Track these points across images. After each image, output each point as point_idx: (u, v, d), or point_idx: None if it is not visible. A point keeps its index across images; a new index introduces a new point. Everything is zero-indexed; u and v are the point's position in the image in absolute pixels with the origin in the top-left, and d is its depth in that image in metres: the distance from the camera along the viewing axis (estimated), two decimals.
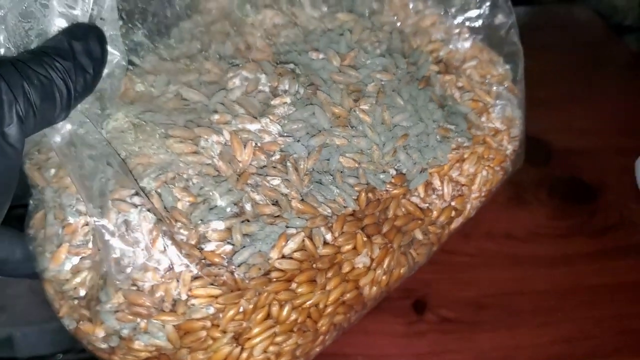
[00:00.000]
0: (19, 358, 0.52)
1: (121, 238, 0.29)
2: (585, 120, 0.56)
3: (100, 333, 0.31)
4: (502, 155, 0.40)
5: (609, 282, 0.45)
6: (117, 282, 0.29)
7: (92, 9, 0.29)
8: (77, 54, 0.28)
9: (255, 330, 0.32)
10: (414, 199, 0.36)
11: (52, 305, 0.32)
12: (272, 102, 0.33)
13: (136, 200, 0.29)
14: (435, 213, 0.37)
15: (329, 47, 0.36)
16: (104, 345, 0.31)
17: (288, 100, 0.33)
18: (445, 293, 0.44)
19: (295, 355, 0.34)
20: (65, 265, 0.31)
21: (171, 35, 0.35)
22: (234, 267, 0.30)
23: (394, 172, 0.35)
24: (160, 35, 0.35)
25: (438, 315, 0.43)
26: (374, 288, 0.35)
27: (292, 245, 0.31)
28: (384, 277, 0.35)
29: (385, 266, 0.35)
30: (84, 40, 0.28)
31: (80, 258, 0.31)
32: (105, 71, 0.30)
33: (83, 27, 0.28)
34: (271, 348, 0.32)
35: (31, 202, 0.33)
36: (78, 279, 0.31)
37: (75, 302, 0.31)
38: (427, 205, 0.37)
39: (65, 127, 0.29)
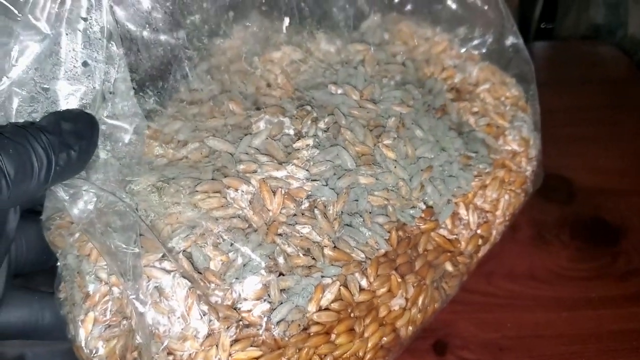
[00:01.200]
0: None
1: (155, 307, 0.30)
2: (609, 159, 0.61)
3: None
4: (523, 177, 0.43)
5: (634, 328, 0.47)
6: (154, 354, 0.30)
7: (99, 86, 0.31)
8: (63, 132, 0.29)
9: None
10: (442, 231, 0.38)
11: None
12: (295, 145, 0.35)
13: (166, 265, 0.30)
14: (463, 243, 0.39)
15: (346, 81, 0.40)
16: None
17: (311, 142, 0.35)
18: (467, 334, 0.47)
19: None
20: (94, 333, 0.32)
21: (190, 80, 0.38)
22: (272, 325, 0.31)
23: (423, 206, 0.37)
24: (171, 99, 0.38)
25: (459, 356, 0.46)
26: (410, 328, 0.37)
27: (329, 296, 0.32)
28: (419, 316, 0.37)
29: (420, 304, 0.37)
30: (72, 121, 0.30)
31: (108, 326, 0.32)
32: (127, 138, 0.32)
33: (74, 110, 0.30)
34: None
35: (59, 264, 0.34)
36: (107, 349, 0.32)
37: None
38: (455, 236, 0.39)
39: (81, 203, 0.31)
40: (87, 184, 0.31)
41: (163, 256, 0.30)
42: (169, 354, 0.30)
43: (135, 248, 0.29)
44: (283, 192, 0.33)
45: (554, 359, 0.45)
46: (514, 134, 0.42)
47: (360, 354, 0.34)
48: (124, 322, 0.31)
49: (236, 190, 0.32)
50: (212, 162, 0.34)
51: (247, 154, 0.34)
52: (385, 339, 0.35)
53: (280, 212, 0.32)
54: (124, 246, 0.29)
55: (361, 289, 0.33)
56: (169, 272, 0.30)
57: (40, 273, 0.39)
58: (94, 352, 0.31)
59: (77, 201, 0.30)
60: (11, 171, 0.26)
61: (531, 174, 0.43)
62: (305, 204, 0.33)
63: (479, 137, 0.41)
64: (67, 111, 0.30)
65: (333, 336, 0.32)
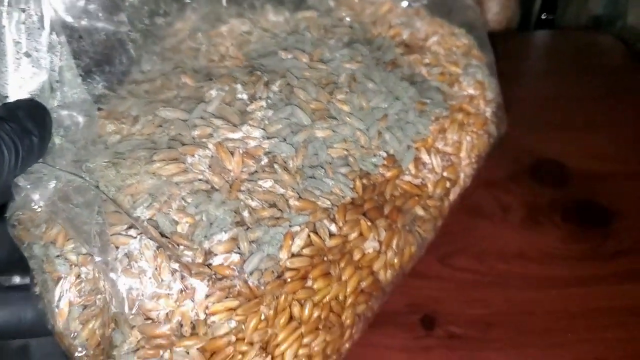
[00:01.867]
0: None
1: (125, 272, 0.31)
2: (603, 144, 0.64)
3: None
4: (482, 118, 0.45)
5: (622, 305, 0.49)
6: (130, 319, 0.31)
7: (46, 75, 0.32)
8: (22, 119, 0.31)
9: (282, 336, 0.34)
10: (407, 178, 0.41)
11: (71, 358, 0.34)
12: (249, 108, 0.37)
13: (133, 232, 0.31)
14: (430, 187, 0.42)
15: (295, 47, 0.42)
16: None
17: (264, 104, 0.38)
18: (455, 310, 0.49)
19: (326, 354, 0.37)
20: (71, 316, 0.33)
21: (142, 62, 0.40)
22: (246, 275, 0.32)
23: (385, 154, 0.39)
24: (120, 83, 0.40)
25: (446, 331, 0.48)
26: (389, 271, 0.39)
27: (299, 242, 0.34)
28: (396, 260, 0.40)
29: (394, 247, 0.39)
30: (26, 109, 0.32)
31: (84, 307, 0.33)
32: (79, 124, 0.34)
33: (26, 99, 0.32)
34: (301, 351, 0.35)
35: (30, 262, 0.35)
36: (86, 330, 0.33)
37: (91, 352, 0.33)
38: (420, 180, 0.42)
39: (42, 188, 0.32)
40: (46, 168, 0.33)
41: (130, 227, 0.31)
42: (146, 318, 0.31)
43: (99, 218, 0.31)
44: (241, 151, 0.35)
45: (542, 335, 0.48)
46: (468, 80, 0.45)
47: (341, 297, 0.36)
48: (99, 297, 0.32)
49: (193, 155, 0.34)
50: (166, 131, 0.36)
51: (201, 118, 0.36)
52: (364, 283, 0.38)
53: (241, 171, 0.35)
54: (87, 220, 0.31)
55: (331, 235, 0.35)
56: (135, 237, 0.31)
57: (17, 272, 0.41)
58: (74, 334, 0.33)
59: (39, 186, 0.32)
60: None
61: (492, 115, 0.46)
62: (265, 160, 0.36)
63: (432, 85, 0.45)
64: (20, 100, 0.32)
65: (310, 282, 0.34)
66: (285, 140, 0.36)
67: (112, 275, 0.30)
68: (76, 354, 0.33)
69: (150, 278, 0.30)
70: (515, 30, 0.81)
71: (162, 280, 0.30)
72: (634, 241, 0.53)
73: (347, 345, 0.39)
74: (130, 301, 0.30)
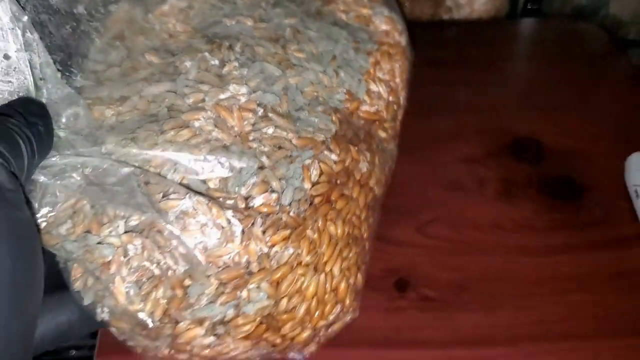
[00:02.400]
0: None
1: (185, 232, 0.33)
2: (580, 124, 0.66)
3: (202, 331, 0.35)
4: (401, 47, 0.51)
5: (588, 272, 0.52)
6: (206, 271, 0.33)
7: (29, 75, 0.33)
8: (21, 113, 0.31)
9: (327, 254, 0.38)
10: (365, 107, 0.46)
11: (133, 341, 0.36)
12: (224, 71, 0.40)
13: (175, 195, 0.33)
14: (384, 112, 0.47)
15: (234, 14, 0.45)
16: (209, 340, 0.35)
17: (236, 64, 0.40)
18: (428, 274, 0.52)
19: (358, 264, 0.41)
20: (131, 296, 0.34)
21: (91, 55, 0.41)
22: (287, 207, 0.36)
23: (344, 90, 0.44)
24: (83, 73, 0.40)
25: (419, 293, 0.51)
26: (379, 187, 0.45)
27: (314, 172, 0.38)
28: (382, 176, 0.45)
29: (378, 164, 0.44)
30: (23, 106, 0.32)
31: (141, 283, 0.34)
32: (73, 116, 0.34)
33: (19, 98, 0.32)
34: (343, 264, 0.39)
35: (60, 262, 0.35)
36: (150, 303, 0.34)
37: (158, 323, 0.35)
38: (375, 108, 0.46)
39: (68, 176, 0.33)
40: (64, 158, 0.33)
41: (166, 193, 0.33)
42: (218, 266, 0.34)
43: (142, 189, 0.32)
44: (237, 107, 0.38)
45: (512, 298, 0.51)
46: (379, 18, 0.50)
47: (357, 213, 0.41)
48: (154, 269, 0.34)
49: (198, 119, 0.36)
50: (161, 104, 0.38)
51: (187, 87, 0.39)
52: (368, 197, 0.42)
53: (244, 125, 0.38)
54: (131, 195, 0.32)
55: (334, 162, 0.39)
56: (182, 198, 0.33)
57: None
58: (138, 311, 0.34)
59: (64, 177, 0.33)
60: (7, 151, 0.28)
61: (407, 43, 0.52)
62: (260, 111, 0.39)
63: (355, 27, 0.50)
64: (13, 100, 0.32)
65: (334, 204, 0.39)
66: (267, 91, 0.39)
67: (175, 230, 0.32)
68: (144, 332, 0.34)
69: (212, 228, 0.33)
70: (501, 18, 0.83)
71: (223, 227, 0.33)
72: (604, 213, 0.56)
73: (368, 257, 0.43)
74: (202, 253, 0.33)
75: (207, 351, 0.36)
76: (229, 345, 0.36)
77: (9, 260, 0.25)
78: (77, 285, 0.35)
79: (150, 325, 0.35)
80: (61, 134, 0.35)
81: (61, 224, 0.34)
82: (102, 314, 0.34)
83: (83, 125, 0.34)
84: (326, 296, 0.39)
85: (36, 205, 0.34)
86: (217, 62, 0.40)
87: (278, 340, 0.38)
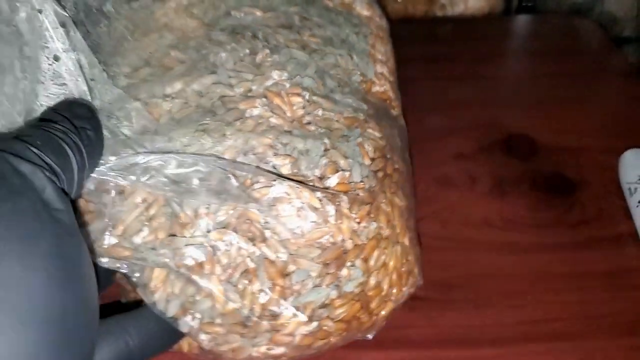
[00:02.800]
0: None
1: (282, 215, 0.33)
2: (573, 121, 0.65)
3: (305, 317, 0.35)
4: (384, 28, 0.51)
5: (579, 271, 0.51)
6: (310, 256, 0.34)
7: (80, 76, 0.31)
8: (68, 118, 0.29)
9: (399, 225, 0.39)
10: (376, 88, 0.46)
11: (227, 345, 0.35)
12: (258, 59, 0.39)
13: (262, 182, 0.33)
14: (390, 91, 0.47)
15: (240, 5, 0.44)
16: (312, 326, 0.35)
17: (268, 51, 0.40)
18: None
19: (411, 229, 0.42)
20: (229, 292, 0.34)
21: (125, 54, 0.40)
22: (359, 184, 0.36)
23: (359, 72, 0.44)
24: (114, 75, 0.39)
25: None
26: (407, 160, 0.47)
27: (369, 148, 0.38)
28: (406, 149, 0.47)
29: (400, 137, 0.45)
30: (68, 108, 0.30)
31: (235, 281, 0.34)
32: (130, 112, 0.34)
33: (63, 101, 0.30)
34: (410, 235, 0.41)
35: (130, 277, 0.34)
36: (248, 298, 0.34)
37: (256, 317, 0.34)
38: (383, 88, 0.47)
39: (147, 177, 0.32)
40: (138, 156, 0.32)
41: (257, 179, 0.33)
42: (317, 248, 0.34)
43: (234, 182, 0.32)
44: (285, 92, 0.38)
45: (501, 296, 0.49)
46: (359, 4, 0.50)
47: (402, 182, 0.42)
48: (248, 262, 0.33)
49: (256, 107, 0.37)
50: (211, 96, 0.37)
51: (231, 77, 0.38)
52: (408, 169, 0.44)
53: (295, 109, 0.38)
54: (225, 187, 0.32)
55: (379, 138, 0.40)
56: (271, 185, 0.33)
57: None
58: (242, 309, 0.33)
59: (145, 174, 0.31)
60: (55, 163, 0.26)
61: (386, 24, 0.52)
62: (307, 95, 0.38)
63: (344, 13, 0.49)
64: (57, 104, 0.30)
65: (391, 177, 0.40)
66: (303, 75, 0.39)
67: (271, 220, 0.33)
68: (244, 330, 0.34)
69: (307, 211, 0.33)
70: (495, 15, 0.82)
71: (317, 208, 0.33)
72: (597, 211, 0.54)
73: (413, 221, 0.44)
74: (302, 237, 0.33)
75: (307, 340, 0.36)
76: (329, 329, 0.36)
77: (56, 291, 0.23)
78: (158, 296, 0.34)
79: (253, 321, 0.34)
80: (127, 132, 0.33)
81: (134, 233, 0.33)
82: (192, 321, 0.34)
83: (142, 124, 0.34)
84: (403, 268, 0.39)
85: (106, 219, 0.33)
86: (247, 51, 0.39)
87: (366, 319, 0.38)
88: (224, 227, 0.33)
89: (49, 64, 0.29)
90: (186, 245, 0.33)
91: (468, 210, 0.54)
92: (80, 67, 0.31)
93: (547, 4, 0.83)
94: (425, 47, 0.70)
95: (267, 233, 0.33)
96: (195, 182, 0.32)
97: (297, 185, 0.33)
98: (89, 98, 0.31)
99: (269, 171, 0.34)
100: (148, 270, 0.34)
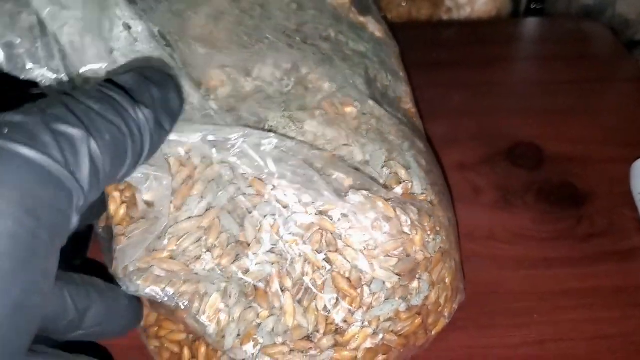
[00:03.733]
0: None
1: (354, 226, 0.32)
2: (583, 129, 0.62)
3: (371, 330, 0.34)
4: (398, 52, 0.52)
5: (590, 287, 0.48)
6: (386, 266, 0.33)
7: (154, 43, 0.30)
8: (156, 104, 0.23)
9: (454, 240, 0.40)
10: (405, 105, 0.47)
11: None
12: (304, 72, 0.39)
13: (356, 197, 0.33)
14: (413, 110, 0.48)
15: (268, 27, 0.42)
16: (377, 340, 0.34)
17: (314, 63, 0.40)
18: None
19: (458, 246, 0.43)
20: (299, 309, 0.33)
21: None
22: (423, 195, 0.36)
23: (392, 88, 0.46)
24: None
25: None
26: None
27: (422, 161, 0.38)
28: None
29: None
30: (161, 89, 0.23)
31: (307, 292, 0.33)
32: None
33: (161, 73, 0.24)
34: (458, 250, 0.41)
35: (178, 304, 0.33)
36: (318, 311, 0.33)
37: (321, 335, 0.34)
38: (409, 105, 0.47)
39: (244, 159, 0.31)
40: (234, 130, 0.30)
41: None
42: (394, 257, 0.34)
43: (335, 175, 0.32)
44: (339, 103, 0.37)
45: (506, 315, 0.47)
46: (371, 24, 0.49)
47: (448, 196, 0.44)
48: (319, 274, 0.32)
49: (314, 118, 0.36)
50: (290, 78, 0.37)
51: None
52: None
53: (349, 120, 0.37)
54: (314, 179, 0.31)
55: (424, 151, 0.40)
56: (348, 192, 0.32)
57: None
58: (307, 321, 0.33)
59: (235, 151, 0.30)
60: (107, 164, 0.20)
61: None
62: (358, 105, 0.38)
63: (367, 31, 0.49)
64: (152, 71, 0.24)
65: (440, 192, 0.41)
66: (352, 86, 0.39)
67: (346, 232, 0.32)
68: (309, 347, 0.33)
69: (381, 222, 0.32)
70: (503, 18, 0.79)
71: (391, 218, 0.33)
72: (607, 223, 0.52)
73: None
74: (375, 249, 0.33)
75: (369, 356, 0.34)
76: (391, 344, 0.35)
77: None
78: (214, 329, 0.32)
79: (318, 337, 0.33)
80: (214, 106, 0.32)
81: (193, 261, 0.32)
82: (253, 349, 0.32)
83: (228, 101, 0.33)
84: (455, 284, 0.39)
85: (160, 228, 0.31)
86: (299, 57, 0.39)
87: (422, 335, 0.37)
88: (294, 238, 0.32)
89: (120, 32, 0.28)
90: (255, 264, 0.32)
91: (471, 222, 0.51)
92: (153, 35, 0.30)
93: (557, 7, 0.80)
94: (428, 52, 0.68)
95: (340, 244, 0.32)
96: (289, 168, 0.31)
97: (371, 195, 0.32)
98: (168, 64, 0.30)
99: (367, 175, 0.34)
100: (199, 299, 0.32)
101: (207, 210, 0.33)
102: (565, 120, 0.62)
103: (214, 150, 0.31)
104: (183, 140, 0.30)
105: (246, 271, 0.32)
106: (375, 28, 0.50)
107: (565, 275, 0.48)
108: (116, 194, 0.34)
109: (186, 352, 0.36)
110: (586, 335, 0.44)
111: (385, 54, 0.47)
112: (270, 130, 0.33)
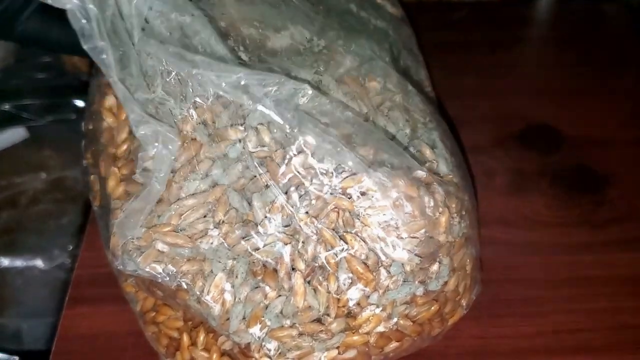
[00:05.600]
0: (25, 351, 0.53)
1: (374, 205, 0.31)
2: (599, 111, 0.58)
3: (385, 314, 0.32)
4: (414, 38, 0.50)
5: (608, 275, 0.45)
6: (407, 248, 0.31)
7: None
8: None
9: (477, 227, 0.38)
10: (426, 88, 0.46)
11: (297, 350, 0.32)
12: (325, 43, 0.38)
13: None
14: (432, 94, 0.47)
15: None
16: (390, 324, 0.33)
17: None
18: None
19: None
20: (310, 291, 0.31)
21: None
22: (449, 176, 0.34)
23: (413, 69, 0.45)
24: None
25: None
26: None
27: (447, 142, 0.37)
28: None
29: None
30: None
31: (319, 273, 0.31)
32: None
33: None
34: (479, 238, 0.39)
35: (180, 284, 0.32)
36: (329, 293, 0.31)
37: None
38: (429, 88, 0.46)
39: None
40: (269, 76, 0.29)
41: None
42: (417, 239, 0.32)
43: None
44: (363, 77, 0.36)
45: (520, 303, 0.44)
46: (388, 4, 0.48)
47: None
48: (333, 255, 0.31)
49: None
50: (318, 43, 0.35)
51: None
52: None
53: (371, 96, 0.35)
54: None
55: (445, 131, 0.39)
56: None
57: None
58: (318, 303, 0.31)
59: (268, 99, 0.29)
60: None
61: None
62: (382, 81, 0.37)
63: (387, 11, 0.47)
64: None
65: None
66: (376, 62, 0.37)
67: (365, 212, 0.30)
68: (320, 330, 0.32)
69: (403, 201, 0.30)
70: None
71: (412, 198, 0.30)
72: (627, 208, 0.48)
73: None
74: (395, 230, 0.30)
75: (382, 341, 0.33)
76: (405, 330, 0.33)
77: None
78: (218, 310, 0.31)
79: (329, 320, 0.31)
80: (244, 57, 0.31)
81: (199, 235, 0.31)
82: (260, 331, 0.31)
83: (258, 53, 0.32)
84: (474, 273, 0.37)
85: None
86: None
87: (437, 324, 0.35)
88: (309, 217, 0.30)
89: None
90: (265, 242, 0.30)
91: (484, 208, 0.48)
92: None
93: None
94: (439, 33, 0.64)
95: (358, 223, 0.30)
96: (317, 131, 0.29)
97: (394, 171, 0.30)
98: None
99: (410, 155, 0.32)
100: (202, 278, 0.31)
101: (212, 187, 0.31)
102: (581, 102, 0.58)
103: (245, 97, 0.29)
104: (218, 80, 0.29)
105: (256, 249, 0.30)
106: (393, 10, 0.48)
107: (582, 263, 0.45)
108: (115, 170, 0.33)
109: (185, 338, 0.34)
110: (604, 325, 0.41)
111: (405, 35, 0.45)
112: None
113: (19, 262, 0.55)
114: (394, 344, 0.34)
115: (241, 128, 0.31)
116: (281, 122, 0.29)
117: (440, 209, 0.32)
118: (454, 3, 0.76)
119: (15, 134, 0.62)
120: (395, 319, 0.32)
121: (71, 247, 0.56)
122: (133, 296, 0.37)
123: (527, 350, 0.40)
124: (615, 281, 0.44)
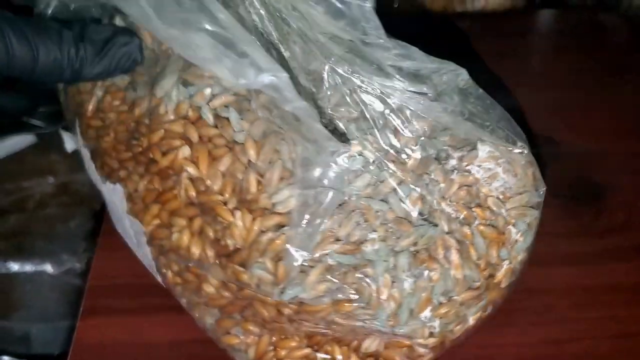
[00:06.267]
0: (33, 355, 0.53)
1: (491, 176, 0.34)
2: (600, 122, 0.59)
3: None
4: None
5: (609, 283, 0.45)
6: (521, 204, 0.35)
7: None
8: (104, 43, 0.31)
9: None
10: None
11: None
12: None
13: None
14: None
15: None
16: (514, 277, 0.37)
17: None
18: None
19: None
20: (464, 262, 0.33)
21: None
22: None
23: None
24: None
25: None
26: None
27: None
28: None
29: None
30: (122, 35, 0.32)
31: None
32: None
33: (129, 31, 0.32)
34: None
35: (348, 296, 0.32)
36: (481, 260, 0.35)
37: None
38: None
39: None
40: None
41: None
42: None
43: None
44: None
45: (522, 313, 0.44)
46: None
47: None
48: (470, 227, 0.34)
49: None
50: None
51: None
52: None
53: None
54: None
55: None
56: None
57: None
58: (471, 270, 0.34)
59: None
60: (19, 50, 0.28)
61: None
62: None
63: None
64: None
65: None
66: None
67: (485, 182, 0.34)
68: (474, 292, 0.34)
69: (508, 165, 0.34)
70: (518, 10, 0.77)
71: (514, 159, 0.34)
72: (626, 218, 0.49)
73: None
74: (510, 191, 0.34)
75: (505, 292, 0.37)
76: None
77: None
78: (390, 310, 0.32)
79: (477, 285, 0.34)
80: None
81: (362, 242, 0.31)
82: (430, 314, 0.33)
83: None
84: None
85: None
86: None
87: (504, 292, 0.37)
88: (444, 200, 0.32)
89: None
90: (416, 234, 0.32)
91: None
92: None
93: None
94: (441, 44, 0.65)
95: (482, 195, 0.33)
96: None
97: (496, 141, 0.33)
98: None
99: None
100: (370, 283, 0.31)
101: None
102: (581, 112, 0.59)
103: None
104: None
105: (414, 242, 0.32)
106: None
107: (584, 272, 0.45)
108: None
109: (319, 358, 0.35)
110: (607, 334, 0.42)
111: None
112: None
113: (27, 267, 0.55)
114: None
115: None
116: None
117: (528, 167, 0.35)
118: (457, 13, 0.76)
119: (23, 139, 0.62)
120: (519, 267, 0.36)
121: (79, 251, 0.56)
122: (238, 346, 0.36)
123: (529, 359, 0.40)
124: (614, 290, 0.44)
